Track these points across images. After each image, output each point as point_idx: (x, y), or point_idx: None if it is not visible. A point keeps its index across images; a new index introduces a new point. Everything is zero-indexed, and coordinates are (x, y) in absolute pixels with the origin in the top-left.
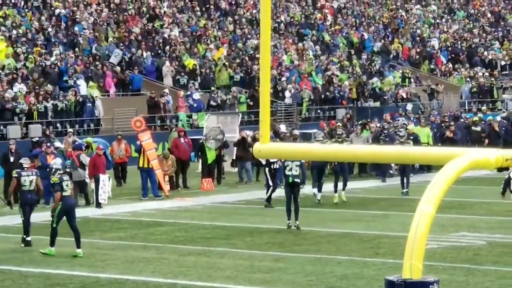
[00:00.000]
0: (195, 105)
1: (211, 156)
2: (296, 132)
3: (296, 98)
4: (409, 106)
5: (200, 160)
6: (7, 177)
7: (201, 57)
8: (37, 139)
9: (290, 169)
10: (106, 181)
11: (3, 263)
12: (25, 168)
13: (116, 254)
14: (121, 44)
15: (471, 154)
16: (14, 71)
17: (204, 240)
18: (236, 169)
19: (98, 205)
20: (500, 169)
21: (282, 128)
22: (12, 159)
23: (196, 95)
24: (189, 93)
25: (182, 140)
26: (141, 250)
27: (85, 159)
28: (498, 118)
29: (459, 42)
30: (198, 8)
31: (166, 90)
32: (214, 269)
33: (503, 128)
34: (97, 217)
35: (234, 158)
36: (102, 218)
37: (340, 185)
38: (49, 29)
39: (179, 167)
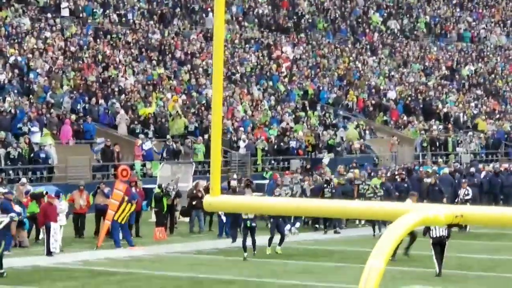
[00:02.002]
0: (147, 154)
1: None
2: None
3: (250, 148)
4: (326, 160)
5: (153, 210)
6: None
7: (157, 105)
8: None
9: (246, 213)
10: (58, 229)
11: None
12: None
13: None
14: (75, 92)
15: (421, 211)
16: None
17: None
18: (187, 219)
19: (49, 253)
20: (451, 226)
21: (233, 182)
22: None
23: (148, 145)
24: (142, 142)
25: (133, 189)
26: None
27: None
28: (446, 171)
29: (414, 95)
30: (154, 58)
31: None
32: None
33: (451, 182)
34: (49, 265)
35: (185, 207)
36: (53, 267)
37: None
38: (3, 76)
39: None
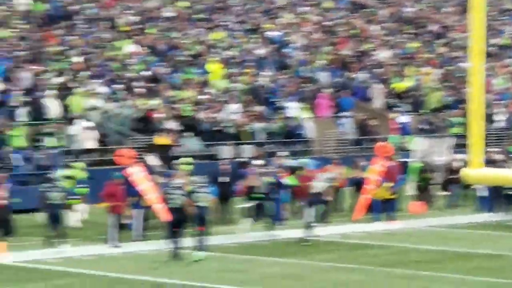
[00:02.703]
0: (403, 128)
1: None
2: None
3: (509, 122)
4: None
5: (411, 183)
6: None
7: (412, 79)
8: (242, 160)
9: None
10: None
11: (219, 283)
12: None
13: (325, 276)
14: (331, 66)
15: None
16: (226, 93)
17: (414, 263)
18: (445, 193)
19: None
20: None
21: (494, 155)
22: (222, 179)
23: (404, 118)
24: (398, 115)
25: (391, 163)
26: (351, 273)
27: (287, 181)
28: None
29: None
30: (409, 31)
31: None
32: None
33: None
34: (308, 238)
35: (442, 180)
36: (313, 239)
37: None
38: (260, 51)
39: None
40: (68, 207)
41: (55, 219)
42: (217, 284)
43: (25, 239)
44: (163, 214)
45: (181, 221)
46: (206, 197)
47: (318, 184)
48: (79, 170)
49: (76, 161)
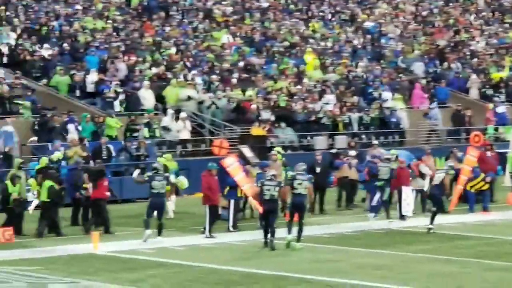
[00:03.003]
0: (500, 118)
1: None
2: None
3: None
4: None
5: (509, 174)
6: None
7: (509, 69)
8: (335, 151)
9: None
10: (409, 193)
11: (309, 273)
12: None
13: (419, 267)
14: (427, 56)
15: None
16: (322, 83)
17: (510, 255)
18: None
19: (402, 217)
20: None
21: None
22: (318, 169)
23: (501, 108)
24: (495, 106)
25: (488, 153)
26: (445, 264)
27: (425, 169)
28: None
29: None
30: (507, 20)
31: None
32: None
33: None
34: (401, 229)
35: None
36: (406, 230)
37: None
38: (356, 41)
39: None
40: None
41: (158, 208)
42: (309, 275)
43: (120, 229)
44: (257, 205)
45: (275, 211)
46: (305, 185)
47: (440, 175)
48: (169, 161)
49: (168, 152)
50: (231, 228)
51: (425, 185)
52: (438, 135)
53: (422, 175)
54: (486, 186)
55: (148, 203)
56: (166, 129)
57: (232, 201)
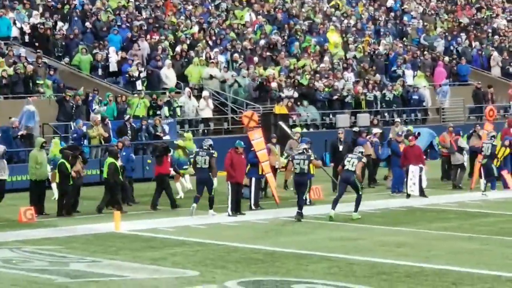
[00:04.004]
0: None
1: None
2: None
3: None
4: None
5: None
6: (335, 165)
7: None
8: (357, 129)
9: None
10: (417, 172)
11: (331, 251)
12: None
13: (440, 245)
14: (449, 34)
15: None
16: (344, 61)
17: None
18: None
19: (408, 196)
20: None
21: None
22: (341, 147)
23: None
24: None
25: None
26: (466, 241)
27: (463, 143)
28: None
29: None
30: None
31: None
32: None
33: None
34: (422, 207)
35: None
36: (428, 208)
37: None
38: (379, 19)
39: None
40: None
41: (204, 182)
42: (330, 253)
43: (141, 208)
44: (273, 183)
45: (304, 184)
46: (354, 162)
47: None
48: (189, 140)
49: (189, 131)
50: (253, 207)
51: (464, 159)
52: (460, 112)
53: (460, 150)
54: (508, 151)
55: (196, 180)
56: (188, 107)
57: (253, 179)
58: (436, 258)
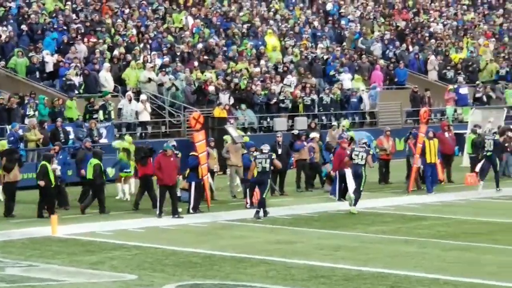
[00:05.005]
0: (459, 99)
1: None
2: None
3: None
4: None
5: (469, 155)
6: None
7: (468, 51)
8: (297, 132)
9: None
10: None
11: (269, 255)
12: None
13: (379, 248)
14: (386, 38)
15: None
16: (282, 65)
17: (467, 235)
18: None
19: (341, 199)
20: None
21: None
22: (279, 151)
23: (464, 90)
24: (456, 87)
25: (446, 134)
26: (404, 244)
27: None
28: None
29: None
30: (465, 2)
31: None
32: (476, 265)
33: None
34: (360, 210)
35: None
36: (365, 211)
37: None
38: (316, 23)
39: (445, 161)
40: (122, 180)
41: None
42: (268, 256)
43: (77, 212)
44: (208, 187)
45: (265, 183)
46: (362, 156)
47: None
48: (129, 144)
49: (127, 134)
50: (191, 210)
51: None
52: (397, 116)
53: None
54: (436, 141)
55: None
56: (125, 111)
57: (193, 184)
58: (374, 262)
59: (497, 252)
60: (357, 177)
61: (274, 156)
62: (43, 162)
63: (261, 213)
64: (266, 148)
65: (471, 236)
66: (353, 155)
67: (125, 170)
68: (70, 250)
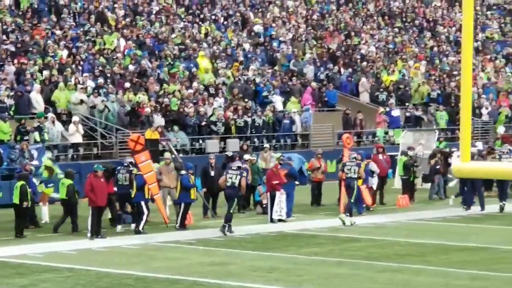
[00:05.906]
0: (390, 121)
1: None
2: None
3: (493, 115)
4: None
5: (401, 177)
6: (208, 191)
7: (399, 73)
8: (231, 153)
9: None
10: (283, 197)
11: (202, 276)
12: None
13: (311, 269)
14: (318, 60)
15: None
16: (214, 87)
17: (399, 256)
18: (428, 185)
19: (271, 220)
20: None
21: (479, 145)
22: (212, 173)
23: (396, 112)
24: (388, 109)
25: (380, 156)
26: (336, 266)
27: (374, 167)
28: None
29: None
30: (396, 25)
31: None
32: (408, 286)
33: None
34: (293, 232)
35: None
36: (298, 233)
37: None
38: (247, 45)
39: (378, 183)
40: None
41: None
42: (201, 278)
43: (8, 234)
44: (162, 211)
45: (233, 197)
46: (354, 170)
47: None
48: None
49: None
50: (141, 229)
51: (374, 182)
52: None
53: (371, 174)
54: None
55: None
56: (57, 132)
57: (142, 203)
58: (308, 283)
59: (429, 274)
60: (350, 189)
61: (245, 174)
62: (22, 182)
63: (227, 228)
64: (237, 165)
65: (403, 257)
66: (345, 170)
67: (48, 186)
68: (0, 272)
